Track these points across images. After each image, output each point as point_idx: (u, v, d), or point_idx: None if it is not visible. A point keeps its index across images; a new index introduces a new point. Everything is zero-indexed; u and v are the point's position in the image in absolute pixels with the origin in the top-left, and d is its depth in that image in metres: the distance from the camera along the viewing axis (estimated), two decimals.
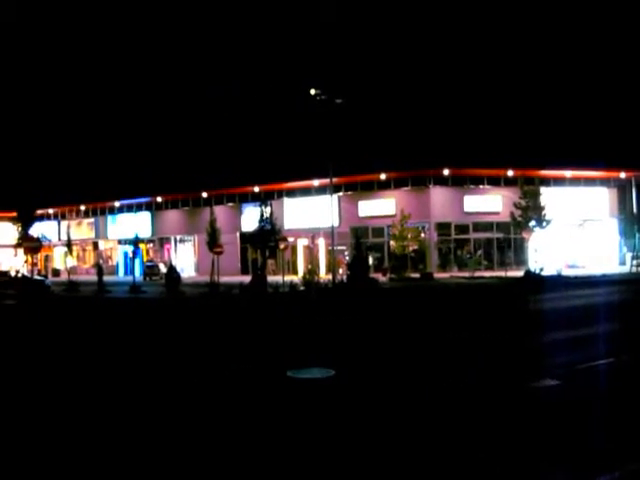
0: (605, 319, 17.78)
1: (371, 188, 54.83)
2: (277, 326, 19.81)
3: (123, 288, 42.20)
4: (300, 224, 55.76)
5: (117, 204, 71.68)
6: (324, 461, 7.15)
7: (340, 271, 46.62)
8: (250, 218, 52.40)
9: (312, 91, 41.09)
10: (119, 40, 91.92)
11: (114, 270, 71.30)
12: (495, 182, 53.61)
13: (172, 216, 67.86)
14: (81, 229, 75.67)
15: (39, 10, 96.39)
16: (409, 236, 49.88)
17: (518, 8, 73.18)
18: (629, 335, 15.18)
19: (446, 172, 51.87)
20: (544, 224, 45.04)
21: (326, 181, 45.85)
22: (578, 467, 6.82)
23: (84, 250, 77.49)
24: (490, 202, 53.16)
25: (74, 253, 70.77)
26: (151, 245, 70.25)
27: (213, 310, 26.79)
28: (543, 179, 49.39)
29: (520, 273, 42.48)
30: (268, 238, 42.10)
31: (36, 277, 44.72)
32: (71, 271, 57.22)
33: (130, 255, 57.30)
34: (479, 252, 53.74)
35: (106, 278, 47.85)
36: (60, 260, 74.63)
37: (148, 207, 69.54)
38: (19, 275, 45.99)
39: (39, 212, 58.57)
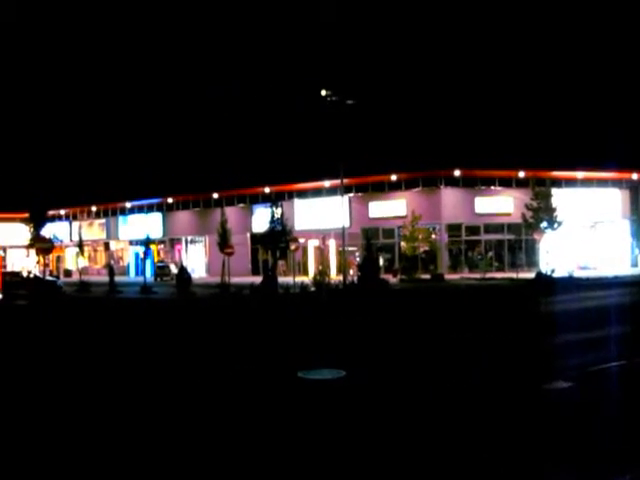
0: (617, 321, 17.68)
1: (382, 189, 54.75)
2: (288, 327, 19.82)
3: (134, 289, 42.34)
4: (311, 225, 55.72)
5: (128, 205, 71.91)
6: (335, 461, 7.14)
7: (351, 272, 46.57)
8: (261, 219, 52.44)
9: (323, 92, 41.12)
10: (129, 40, 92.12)
11: (125, 271, 71.48)
12: (506, 183, 53.42)
13: (183, 217, 68.01)
14: (92, 230, 75.95)
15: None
16: (420, 237, 49.76)
17: (529, 6, 72.96)
18: None
19: (457, 173, 51.76)
20: (555, 225, 44.85)
21: (337, 182, 45.84)
22: (589, 469, 6.78)
23: (95, 251, 77.77)
24: (501, 203, 52.99)
25: (85, 254, 70.94)
26: (162, 246, 70.41)
27: (224, 311, 26.84)
28: (554, 180, 49.22)
29: (531, 275, 42.30)
30: (279, 239, 42.13)
31: (48, 278, 44.91)
32: (82, 272, 57.41)
33: (141, 256, 57.53)
34: (490, 253, 53.59)
35: (117, 279, 47.99)
36: (72, 261, 74.90)
37: (159, 208, 69.72)
38: (31, 276, 46.20)
39: (51, 213, 59.00)
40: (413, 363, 12.75)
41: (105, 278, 50.06)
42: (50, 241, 38.67)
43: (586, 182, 54.91)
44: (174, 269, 57.22)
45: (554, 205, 45.10)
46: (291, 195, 58.64)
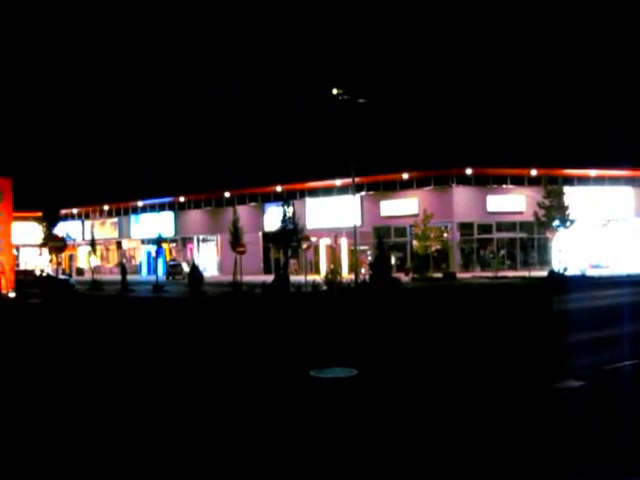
0: (630, 320, 17.58)
1: (393, 188, 54.73)
2: (300, 325, 19.84)
3: (146, 287, 42.50)
4: (322, 224, 55.76)
5: (140, 204, 72.17)
6: (346, 460, 7.16)
7: (362, 271, 46.55)
8: (273, 218, 52.51)
9: (334, 91, 41.12)
10: (145, 36, 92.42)
11: (137, 269, 71.80)
12: (518, 181, 53.28)
13: (195, 216, 68.20)
14: (105, 229, 76.29)
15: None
16: (431, 236, 49.73)
17: (542, 3, 72.72)
18: None
19: (469, 171, 51.66)
20: (568, 224, 44.67)
21: (348, 181, 45.85)
22: (602, 469, 6.77)
23: (108, 249, 78.13)
24: (513, 202, 52.86)
25: (98, 252, 71.37)
26: (174, 245, 70.66)
27: (235, 309, 26.89)
28: (567, 178, 49.04)
29: (544, 273, 42.18)
30: (290, 238, 42.13)
31: (61, 276, 45.17)
32: (95, 270, 57.72)
33: (153, 254, 57.71)
34: (502, 252, 53.45)
35: (129, 277, 48.20)
36: (84, 259, 75.27)
37: (171, 207, 69.94)
38: (44, 274, 46.48)
39: (63, 212, 59.19)
40: (423, 361, 12.74)
41: (117, 277, 50.30)
42: (63, 240, 38.90)
43: (598, 180, 54.67)
44: (186, 268, 57.40)
45: (566, 203, 44.91)
46: (303, 194, 58.70)
